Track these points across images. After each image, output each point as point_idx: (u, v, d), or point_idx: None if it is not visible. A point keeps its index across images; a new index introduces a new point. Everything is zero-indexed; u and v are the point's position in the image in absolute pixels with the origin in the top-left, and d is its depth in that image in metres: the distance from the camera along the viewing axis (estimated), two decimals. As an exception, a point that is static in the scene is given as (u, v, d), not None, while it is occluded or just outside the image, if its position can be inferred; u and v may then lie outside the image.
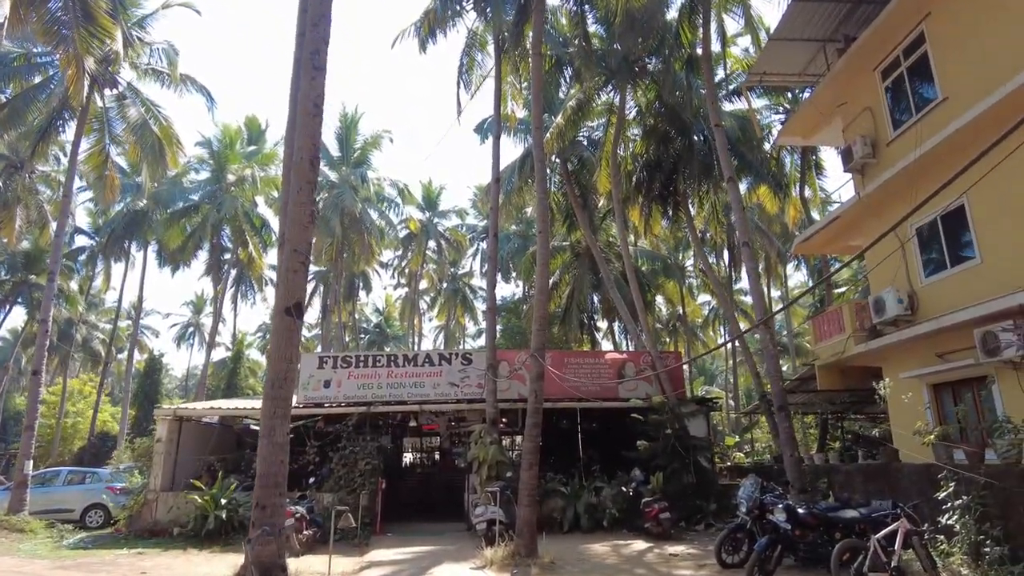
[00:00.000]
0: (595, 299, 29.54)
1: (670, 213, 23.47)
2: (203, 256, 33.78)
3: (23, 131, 19.95)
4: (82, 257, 37.01)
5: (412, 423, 17.76)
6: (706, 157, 21.16)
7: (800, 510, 7.81)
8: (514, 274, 41.79)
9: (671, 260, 31.52)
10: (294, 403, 17.13)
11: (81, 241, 36.83)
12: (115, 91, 19.39)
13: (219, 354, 50.41)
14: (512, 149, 31.54)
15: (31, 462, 15.87)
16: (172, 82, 19.89)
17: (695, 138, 21.11)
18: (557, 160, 25.42)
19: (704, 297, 42.95)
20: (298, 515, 11.95)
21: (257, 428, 18.60)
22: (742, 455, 19.59)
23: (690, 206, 22.70)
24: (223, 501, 13.34)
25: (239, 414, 16.54)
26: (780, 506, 7.87)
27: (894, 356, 11.81)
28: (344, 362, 16.17)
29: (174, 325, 59.11)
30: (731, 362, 39.46)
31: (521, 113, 27.01)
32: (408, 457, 22.88)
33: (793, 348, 36.08)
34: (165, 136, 20.09)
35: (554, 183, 26.26)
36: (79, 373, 48.19)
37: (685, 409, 15.63)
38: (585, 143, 25.53)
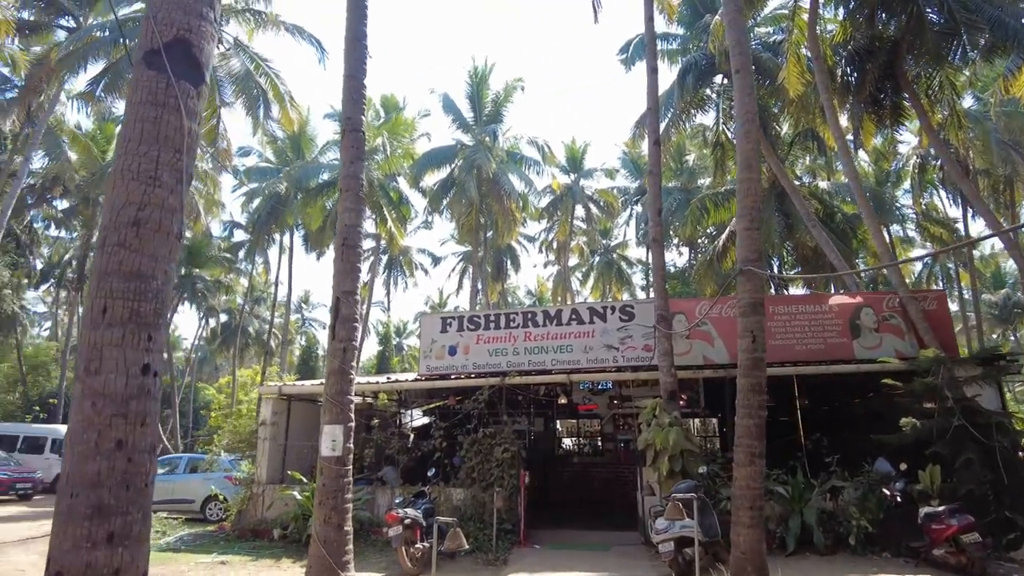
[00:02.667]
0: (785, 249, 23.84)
1: (887, 121, 17.46)
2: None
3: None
4: (242, 252, 37.88)
5: (562, 400, 14.08)
6: (943, 30, 15.06)
7: None
8: (676, 240, 36.50)
9: (884, 193, 24.65)
10: (413, 377, 14.34)
11: (240, 236, 37.59)
12: (220, 48, 17.83)
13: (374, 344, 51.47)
14: (666, 75, 26.22)
15: None
16: (269, 24, 17.93)
17: (924, 10, 15.08)
18: (723, 79, 20.68)
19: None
20: (407, 521, 8.78)
21: (386, 410, 16.14)
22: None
23: (920, 99, 16.49)
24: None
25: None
26: None
27: None
28: (471, 323, 12.79)
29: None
30: (973, 318, 30.91)
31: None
32: (562, 444, 19.24)
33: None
34: (275, 92, 18.34)
35: (721, 110, 21.28)
36: (254, 365, 50.88)
37: (963, 372, 10.24)
38: (761, 48, 20.19)
